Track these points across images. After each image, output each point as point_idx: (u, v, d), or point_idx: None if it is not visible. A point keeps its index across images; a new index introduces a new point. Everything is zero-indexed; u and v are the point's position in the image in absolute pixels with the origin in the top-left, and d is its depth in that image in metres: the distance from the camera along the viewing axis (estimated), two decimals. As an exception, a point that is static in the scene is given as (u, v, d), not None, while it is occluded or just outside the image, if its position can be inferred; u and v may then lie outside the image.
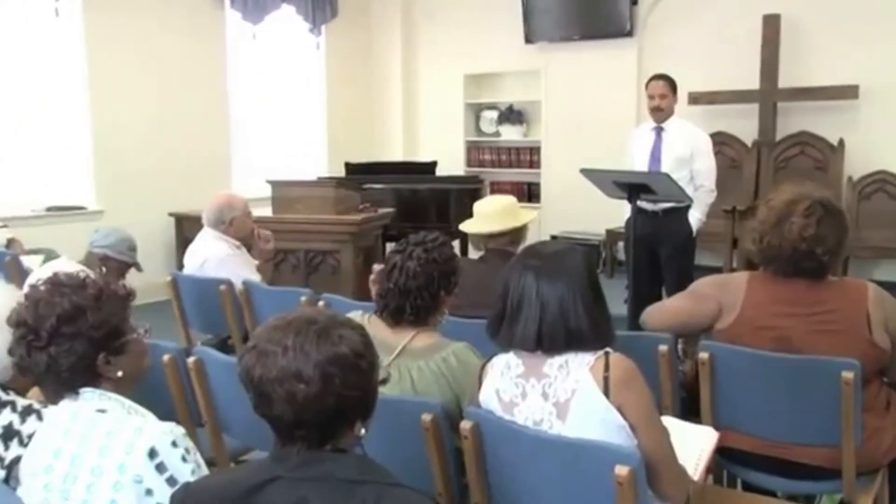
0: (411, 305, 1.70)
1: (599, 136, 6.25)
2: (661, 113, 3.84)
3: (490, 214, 2.49)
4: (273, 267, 3.44)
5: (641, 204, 3.62)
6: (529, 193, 6.98)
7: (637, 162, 3.90)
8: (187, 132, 5.78)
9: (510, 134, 7.07)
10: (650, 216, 3.79)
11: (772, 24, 5.57)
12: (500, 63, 6.88)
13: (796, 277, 1.83)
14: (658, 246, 3.84)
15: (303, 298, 2.61)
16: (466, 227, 2.52)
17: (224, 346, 2.99)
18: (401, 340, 1.70)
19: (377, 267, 1.85)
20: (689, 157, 3.80)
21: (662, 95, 3.83)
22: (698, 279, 2.03)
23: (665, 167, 3.75)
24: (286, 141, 6.73)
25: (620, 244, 6.11)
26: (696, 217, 3.83)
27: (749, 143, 5.71)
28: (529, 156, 7.00)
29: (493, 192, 6.99)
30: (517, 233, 2.52)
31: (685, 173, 3.76)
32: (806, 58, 5.60)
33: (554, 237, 6.31)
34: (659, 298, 3.78)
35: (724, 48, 5.84)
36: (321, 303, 2.50)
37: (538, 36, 6.59)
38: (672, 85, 3.86)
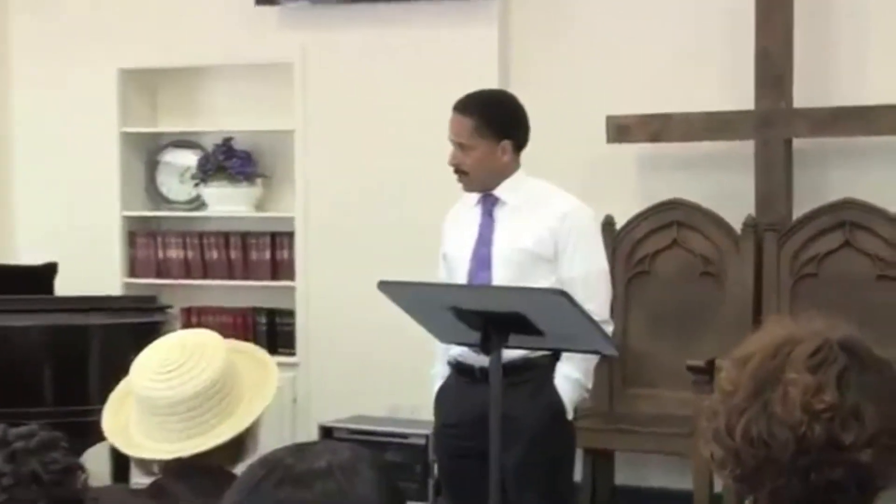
0: None
1: (419, 207, 6.29)
2: (466, 178, 4.19)
3: (174, 404, 2.54)
4: None
5: (458, 354, 3.98)
6: (271, 335, 6.97)
7: (457, 268, 4.24)
8: None
9: (227, 202, 7.03)
10: (478, 379, 3.99)
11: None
12: (201, 48, 6.91)
13: None
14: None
15: None
16: (123, 443, 2.62)
17: None
18: None
19: None
20: (548, 253, 4.10)
21: (462, 146, 4.14)
22: None
23: (499, 271, 4.09)
24: None
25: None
26: (571, 379, 4.11)
27: (737, 225, 5.87)
28: (270, 251, 6.99)
29: (191, 327, 6.79)
30: (243, 436, 2.61)
31: (544, 285, 4.01)
32: (847, 52, 5.88)
33: (326, 431, 6.31)
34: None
35: (681, 31, 6.09)
36: None
37: (289, -9, 6.75)
38: (487, 120, 4.13)
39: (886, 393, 1.88)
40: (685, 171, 6.00)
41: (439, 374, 4.25)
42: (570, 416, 4.11)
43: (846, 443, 1.83)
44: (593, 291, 4.06)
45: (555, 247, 4.07)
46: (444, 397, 4.25)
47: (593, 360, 4.15)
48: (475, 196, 4.23)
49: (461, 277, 4.15)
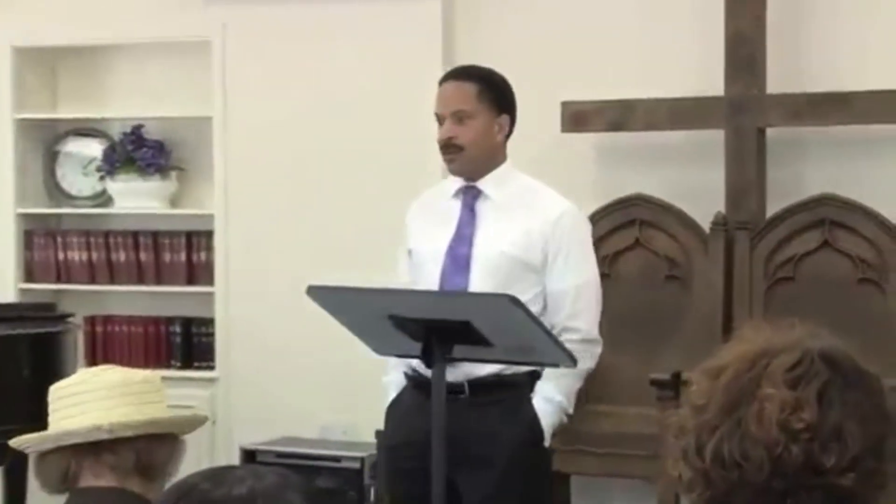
0: None
1: (356, 203, 6.32)
2: (458, 156, 4.14)
3: (97, 389, 2.67)
4: None
5: (416, 364, 3.87)
6: (186, 346, 6.96)
7: (424, 269, 4.20)
8: None
9: (136, 198, 7.02)
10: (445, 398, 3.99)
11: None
12: (107, 24, 6.87)
13: None
14: (455, 468, 3.94)
15: None
16: (36, 437, 2.70)
17: None
18: None
19: None
20: (536, 261, 4.10)
21: (461, 115, 4.13)
22: None
23: (478, 276, 4.08)
24: None
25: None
26: (554, 401, 4.11)
27: (706, 223, 5.91)
28: (186, 252, 6.97)
29: (96, 338, 6.94)
30: (163, 446, 2.70)
31: (529, 297, 3.98)
32: (825, 34, 5.88)
33: (248, 455, 6.31)
34: None
35: (645, 9, 6.13)
36: None
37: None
38: (489, 87, 4.19)
39: (871, 410, 1.89)
40: (648, 164, 6.01)
41: (394, 382, 4.20)
42: (547, 442, 4.09)
43: (826, 466, 1.84)
44: (584, 306, 4.11)
45: (544, 254, 4.07)
46: (392, 414, 4.22)
47: (579, 380, 4.14)
48: (452, 187, 4.21)
49: (430, 280, 4.10)
